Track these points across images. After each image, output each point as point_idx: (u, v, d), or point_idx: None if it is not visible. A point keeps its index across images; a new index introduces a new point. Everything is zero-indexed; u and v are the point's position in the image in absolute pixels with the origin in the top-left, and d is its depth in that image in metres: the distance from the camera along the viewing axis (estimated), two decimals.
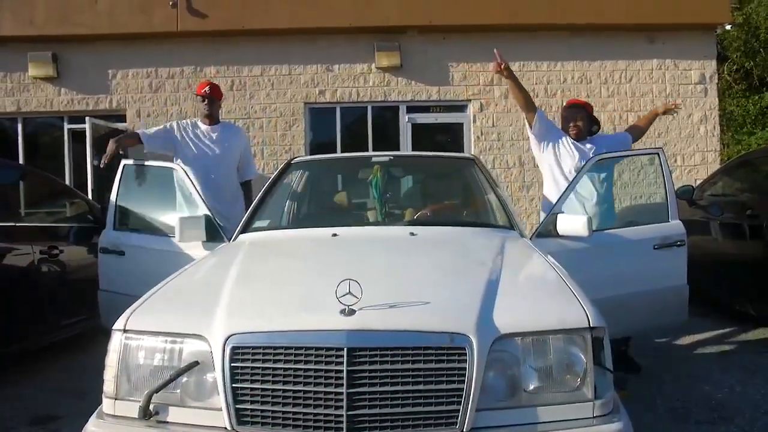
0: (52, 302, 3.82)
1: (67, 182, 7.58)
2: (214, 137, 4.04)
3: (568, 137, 3.77)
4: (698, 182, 7.52)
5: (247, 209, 3.47)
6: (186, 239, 2.97)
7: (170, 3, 7.44)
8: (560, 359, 1.69)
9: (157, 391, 1.68)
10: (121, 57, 7.75)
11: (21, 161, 7.68)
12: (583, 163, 3.44)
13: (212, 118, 4.10)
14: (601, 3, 7.68)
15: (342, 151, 7.95)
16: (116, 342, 1.78)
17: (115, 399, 1.75)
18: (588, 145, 3.72)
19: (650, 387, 3.38)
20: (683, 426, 2.86)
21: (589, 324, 1.70)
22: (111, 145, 3.59)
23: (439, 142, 8.27)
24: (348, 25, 7.60)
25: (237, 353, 1.65)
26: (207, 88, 4.08)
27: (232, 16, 7.54)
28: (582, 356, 1.68)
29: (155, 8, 7.52)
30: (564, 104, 3.84)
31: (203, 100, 4.08)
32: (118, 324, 1.81)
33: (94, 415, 1.78)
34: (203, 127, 4.08)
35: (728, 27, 8.59)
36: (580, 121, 3.75)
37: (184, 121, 4.17)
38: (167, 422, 1.69)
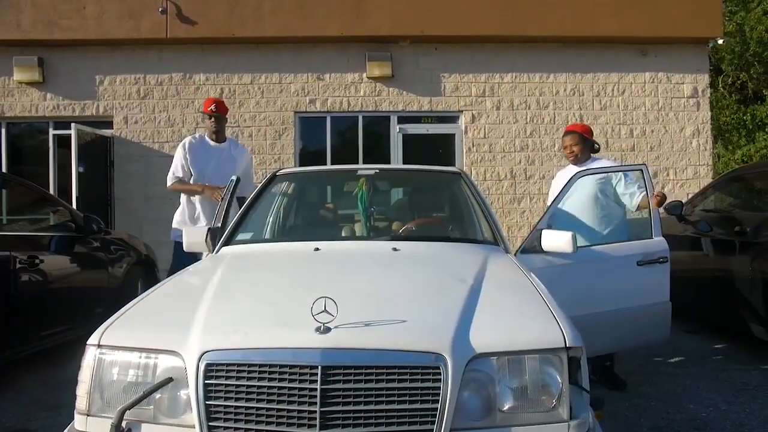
0: (31, 312, 3.77)
1: (51, 188, 7.55)
2: (226, 154, 4.22)
3: (567, 168, 4.03)
4: (689, 196, 7.58)
5: None
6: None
7: (159, 9, 7.45)
8: (536, 379, 1.67)
9: (130, 407, 1.65)
10: (108, 63, 7.75)
11: (4, 166, 7.64)
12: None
13: (220, 135, 4.26)
14: (594, 16, 7.75)
15: (332, 161, 7.96)
16: (90, 357, 1.76)
17: (87, 415, 1.73)
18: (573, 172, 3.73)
19: (635, 405, 3.37)
20: None
21: (566, 344, 1.68)
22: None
23: (431, 153, 8.29)
24: (339, 34, 7.64)
25: (211, 370, 1.63)
26: (213, 106, 4.18)
27: (222, 24, 7.55)
28: (558, 376, 1.67)
29: (144, 14, 7.52)
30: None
31: (210, 118, 4.20)
32: (92, 339, 1.79)
33: (66, 430, 1.76)
34: (212, 143, 4.23)
35: (720, 41, 8.66)
36: (575, 146, 3.89)
37: (187, 139, 4.28)
38: None
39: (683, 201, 5.36)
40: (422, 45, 7.89)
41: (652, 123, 8.17)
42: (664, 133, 8.18)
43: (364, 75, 7.87)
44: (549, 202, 3.88)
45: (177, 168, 4.17)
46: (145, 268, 5.23)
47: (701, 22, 7.92)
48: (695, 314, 5.21)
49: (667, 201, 5.25)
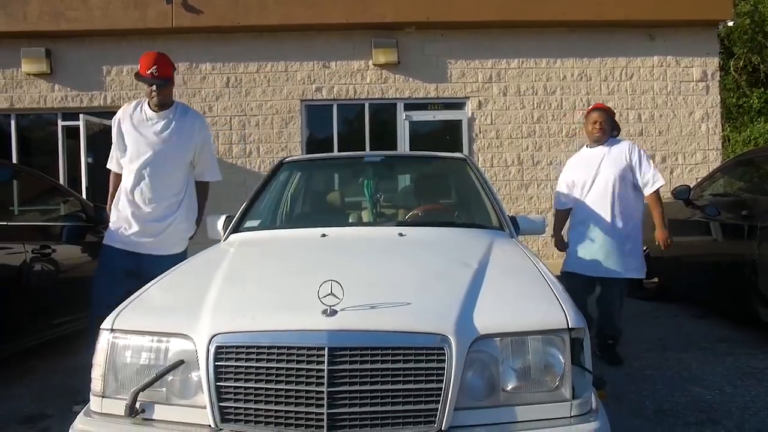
0: (45, 301, 3.83)
1: (61, 179, 7.63)
2: (160, 127, 3.21)
3: (580, 153, 4.02)
4: (698, 180, 7.56)
5: (199, 215, 3.47)
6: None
7: None
8: (539, 360, 1.70)
9: (143, 389, 1.71)
10: (115, 53, 7.79)
11: (14, 158, 7.71)
12: (593, 166, 3.80)
13: (163, 106, 3.24)
14: (601, 0, 7.68)
15: (339, 149, 7.98)
16: (104, 341, 1.81)
17: (103, 397, 1.79)
18: (605, 148, 3.85)
19: (640, 387, 3.39)
20: (671, 428, 2.86)
21: (568, 325, 1.71)
22: None
23: (437, 139, 8.29)
24: (344, 21, 7.63)
25: (221, 352, 1.67)
26: (154, 69, 3.09)
27: (227, 13, 7.56)
28: (560, 357, 1.70)
29: (149, 4, 7.55)
30: (588, 107, 4.10)
31: (151, 84, 3.14)
32: (106, 323, 1.84)
33: (82, 412, 1.82)
34: (149, 112, 3.22)
35: (730, 23, 8.55)
36: (605, 122, 3.82)
37: (129, 105, 3.32)
38: (153, 420, 1.72)
39: (690, 185, 5.34)
40: (428, 31, 7.86)
41: (660, 107, 8.12)
42: (672, 118, 8.13)
43: (370, 62, 7.87)
44: (559, 189, 4.05)
45: (113, 148, 3.33)
46: None
47: (710, 4, 7.83)
48: (702, 299, 5.21)
49: (674, 186, 5.28)
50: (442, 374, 1.61)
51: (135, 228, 3.20)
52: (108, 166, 3.38)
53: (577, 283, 3.63)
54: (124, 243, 3.21)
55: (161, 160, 3.21)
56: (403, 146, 8.02)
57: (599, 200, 3.73)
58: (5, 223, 3.68)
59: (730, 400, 3.20)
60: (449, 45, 7.95)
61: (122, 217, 3.23)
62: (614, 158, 3.75)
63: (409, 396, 1.61)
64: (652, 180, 3.72)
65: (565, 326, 1.71)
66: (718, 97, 8.28)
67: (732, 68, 12.29)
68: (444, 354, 1.62)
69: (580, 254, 3.77)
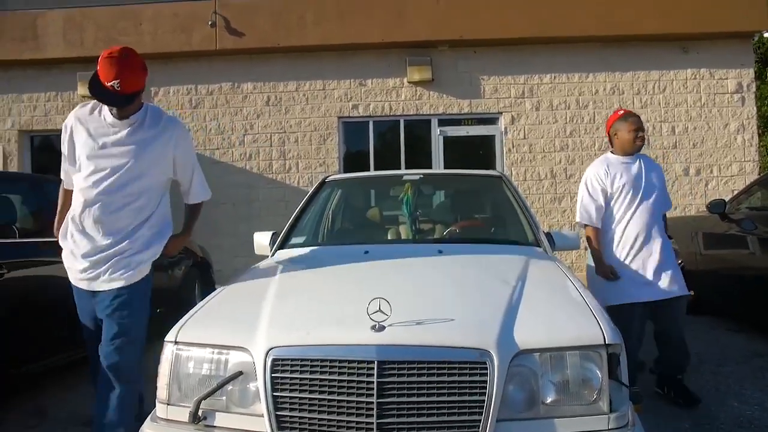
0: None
1: None
2: (123, 136, 2.50)
3: (600, 165, 3.44)
4: (735, 193, 7.47)
5: (185, 234, 2.85)
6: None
7: (209, 23, 7.77)
8: (577, 374, 1.78)
9: (205, 398, 1.83)
10: (162, 75, 8.08)
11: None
12: (637, 181, 3.32)
13: (125, 110, 2.49)
14: (633, 14, 7.69)
15: (375, 164, 8.11)
16: (168, 352, 1.95)
17: (168, 404, 1.92)
18: (639, 158, 3.41)
19: (678, 402, 3.40)
20: None
21: (605, 341, 1.79)
22: None
23: (471, 154, 8.36)
24: (380, 41, 7.81)
25: (277, 365, 1.79)
26: (116, 83, 2.33)
27: (268, 35, 7.82)
28: (598, 371, 1.77)
29: (195, 28, 7.86)
30: (618, 112, 3.50)
31: (108, 103, 2.43)
32: (170, 336, 1.98)
33: (149, 418, 1.96)
34: (109, 117, 2.50)
35: (766, 34, 8.44)
36: (643, 132, 3.40)
37: (84, 107, 2.58)
38: (214, 426, 1.84)
39: (726, 199, 5.31)
40: (461, 49, 7.97)
41: (694, 120, 8.05)
42: (707, 130, 8.06)
43: (405, 79, 8.02)
44: (588, 203, 3.42)
45: (63, 161, 2.61)
46: (201, 269, 5.49)
47: (745, 15, 7.73)
48: (739, 313, 5.16)
49: (714, 199, 5.22)
50: (485, 387, 1.70)
51: (85, 264, 2.47)
52: (62, 178, 2.65)
53: (632, 315, 3.20)
54: (80, 282, 2.53)
55: (124, 179, 2.46)
56: (438, 161, 8.12)
57: (646, 216, 3.30)
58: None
59: None
60: (482, 62, 8.05)
61: (71, 252, 2.52)
62: (652, 171, 3.39)
63: (454, 408, 1.70)
64: (668, 205, 3.45)
65: (602, 342, 1.79)
66: (754, 108, 8.16)
67: None
68: (486, 368, 1.71)
69: (632, 279, 3.27)
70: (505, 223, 3.54)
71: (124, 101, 2.42)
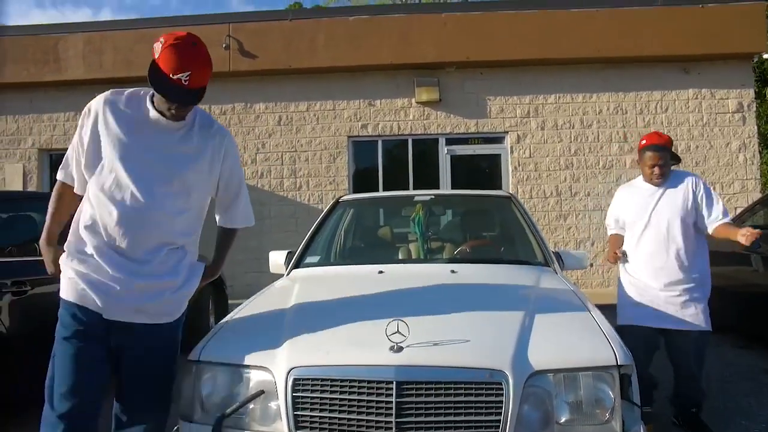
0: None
1: None
2: (175, 139, 2.07)
3: (633, 187, 3.42)
4: (737, 210, 7.52)
5: (217, 266, 2.39)
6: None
7: (223, 45, 7.94)
8: (590, 394, 1.83)
9: (227, 416, 1.87)
10: None
11: None
12: (654, 207, 3.23)
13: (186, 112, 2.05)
14: (636, 36, 7.82)
15: (383, 182, 8.21)
16: (191, 371, 2.01)
17: (191, 422, 1.96)
18: (658, 191, 3.28)
19: None
20: None
21: (617, 362, 1.84)
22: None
23: (478, 173, 8.47)
24: (389, 62, 7.95)
25: (298, 384, 1.84)
26: (185, 75, 1.89)
27: (280, 57, 7.98)
28: (610, 392, 1.82)
29: (209, 50, 7.99)
30: (642, 142, 3.33)
31: (176, 100, 1.95)
32: (193, 355, 2.03)
33: None
34: (153, 114, 2.03)
35: (765, 55, 8.57)
36: (665, 166, 3.22)
37: (117, 94, 2.09)
38: None
39: (730, 217, 5.37)
40: (468, 70, 8.12)
41: (696, 139, 8.14)
42: (709, 149, 8.14)
43: (413, 100, 8.15)
44: (608, 222, 3.54)
45: (71, 152, 2.11)
46: (215, 286, 5.55)
47: (745, 37, 7.88)
48: (745, 329, 5.20)
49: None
50: (501, 407, 1.75)
51: (117, 286, 1.96)
52: (58, 177, 2.12)
53: (638, 338, 3.09)
54: (99, 303, 1.97)
55: (175, 193, 2.05)
56: (445, 179, 8.22)
57: (658, 243, 3.19)
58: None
59: None
60: (488, 82, 8.19)
61: (96, 266, 1.96)
62: (675, 195, 3.21)
63: (470, 427, 1.75)
64: (721, 216, 3.16)
65: (614, 363, 1.84)
66: (755, 127, 8.25)
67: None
68: (502, 388, 1.76)
69: (639, 302, 3.22)
70: (515, 242, 3.59)
71: (194, 98, 1.97)
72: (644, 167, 3.26)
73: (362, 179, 8.33)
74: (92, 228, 1.99)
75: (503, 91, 8.17)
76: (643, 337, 3.15)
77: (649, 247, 3.22)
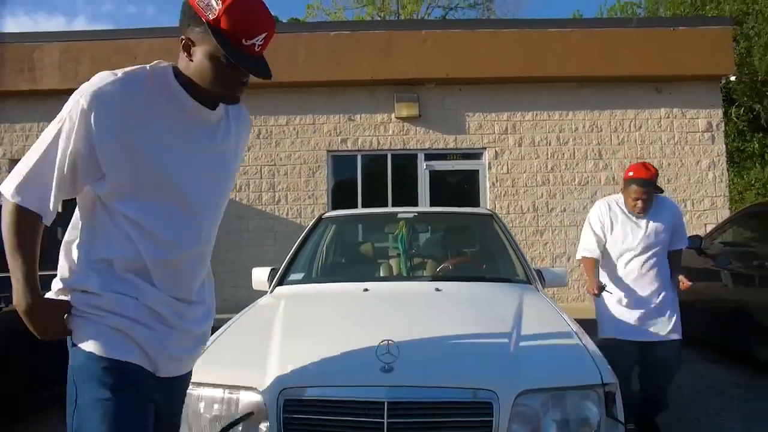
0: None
1: None
2: (219, 131, 1.58)
3: (616, 211, 3.45)
4: (707, 226, 7.74)
5: None
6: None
7: None
8: (577, 412, 1.88)
9: None
10: None
11: None
12: (644, 237, 3.34)
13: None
14: (611, 56, 8.04)
15: (362, 197, 8.24)
16: None
17: None
18: (643, 222, 3.38)
19: None
20: None
21: (602, 381, 1.90)
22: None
23: (456, 188, 8.56)
24: (369, 78, 8.02)
25: (289, 405, 1.84)
26: (260, 39, 1.42)
27: None
28: (595, 409, 1.88)
29: None
30: (629, 172, 3.36)
31: (252, 70, 1.46)
32: None
33: None
34: (185, 100, 1.49)
35: (732, 78, 8.89)
36: (649, 199, 3.31)
37: (129, 72, 1.46)
38: None
39: (701, 235, 5.55)
40: (447, 86, 8.23)
41: (668, 157, 8.38)
42: (680, 167, 8.38)
43: (393, 115, 8.23)
44: (589, 239, 3.49)
45: (41, 170, 1.43)
46: None
47: (714, 60, 8.17)
48: (716, 344, 5.34)
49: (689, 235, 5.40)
50: (490, 426, 1.78)
51: (170, 337, 1.53)
52: (20, 202, 1.41)
53: (620, 352, 3.16)
54: (151, 360, 1.52)
55: (217, 194, 1.62)
56: (424, 194, 8.29)
57: (645, 270, 3.34)
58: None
59: None
60: (467, 99, 8.31)
61: (140, 313, 1.48)
62: (660, 226, 3.36)
63: None
64: (682, 243, 3.49)
65: (600, 382, 1.90)
66: (724, 146, 8.53)
67: (733, 115, 12.59)
68: (491, 408, 1.80)
69: (620, 317, 3.34)
70: (497, 260, 3.65)
71: (269, 69, 1.50)
72: (628, 198, 3.35)
73: (341, 194, 8.36)
74: (131, 265, 1.47)
75: (482, 107, 8.31)
76: (625, 351, 3.26)
77: (635, 273, 3.35)
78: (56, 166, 1.41)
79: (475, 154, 8.45)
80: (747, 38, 12.18)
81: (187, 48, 1.44)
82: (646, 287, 3.33)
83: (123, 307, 1.46)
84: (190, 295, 1.57)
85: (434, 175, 8.38)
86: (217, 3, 1.36)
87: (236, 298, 7.16)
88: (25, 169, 1.42)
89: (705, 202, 8.36)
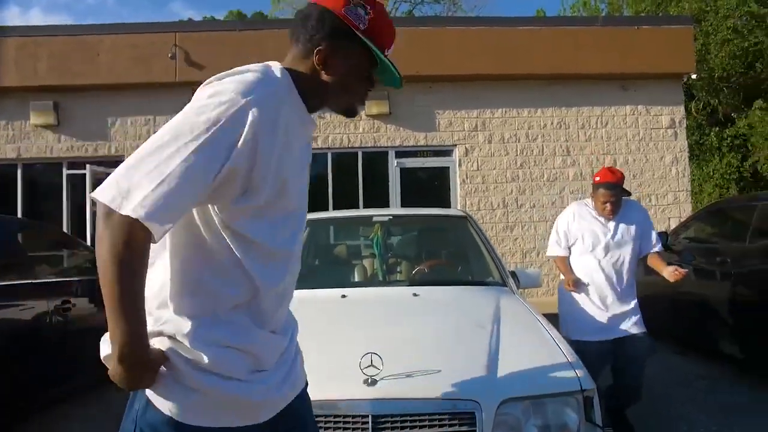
0: (62, 357, 3.91)
1: (65, 227, 7.71)
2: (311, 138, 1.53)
3: (588, 213, 3.59)
4: (671, 220, 7.97)
5: None
6: None
7: (169, 55, 7.73)
8: (557, 418, 1.93)
9: None
10: (120, 105, 8.01)
11: (20, 206, 7.81)
12: (611, 239, 3.47)
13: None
14: (578, 54, 8.17)
15: (333, 194, 8.22)
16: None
17: None
18: (611, 224, 3.52)
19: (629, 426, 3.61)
20: None
21: (581, 387, 1.95)
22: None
23: (427, 185, 8.61)
24: None
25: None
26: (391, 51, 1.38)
27: (228, 67, 7.75)
28: (575, 415, 1.93)
29: (154, 59, 7.80)
30: (596, 177, 3.53)
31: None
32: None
33: None
34: (302, 110, 1.31)
35: (693, 76, 9.16)
36: (617, 202, 3.46)
37: (282, 79, 1.26)
38: None
39: (666, 230, 5.72)
40: (418, 84, 8.22)
41: (633, 153, 8.59)
42: (645, 162, 8.60)
43: (363, 113, 8.21)
44: (558, 239, 3.62)
45: (181, 184, 1.08)
46: None
47: (676, 58, 8.41)
48: (683, 338, 5.52)
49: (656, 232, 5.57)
50: None
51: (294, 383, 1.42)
52: (157, 223, 1.06)
53: (591, 352, 3.25)
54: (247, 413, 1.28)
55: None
56: (395, 192, 8.31)
57: (614, 270, 3.47)
58: (29, 281, 3.79)
59: None
60: (437, 96, 8.35)
61: (254, 361, 1.25)
62: (629, 228, 3.50)
63: None
64: (656, 245, 3.58)
65: (579, 388, 1.95)
66: (686, 142, 8.79)
67: (693, 109, 12.97)
68: (474, 418, 1.83)
69: (588, 318, 3.45)
70: (473, 262, 3.68)
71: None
72: (597, 201, 3.50)
73: (312, 191, 8.17)
74: (249, 304, 1.24)
75: (452, 105, 8.36)
76: (597, 351, 3.36)
77: (603, 273, 3.48)
78: (199, 179, 1.09)
79: (445, 152, 8.50)
80: (705, 35, 12.52)
81: (324, 59, 1.30)
82: (614, 286, 3.46)
83: (228, 365, 1.19)
84: (280, 325, 1.36)
85: (405, 172, 8.41)
86: (366, 12, 1.30)
87: None
88: (158, 177, 1.06)
89: (668, 197, 8.61)
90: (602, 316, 3.44)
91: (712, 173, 12.18)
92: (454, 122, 8.39)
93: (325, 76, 1.31)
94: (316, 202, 8.07)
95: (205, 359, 1.15)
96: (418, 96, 8.31)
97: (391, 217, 3.91)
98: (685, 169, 8.70)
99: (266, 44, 7.87)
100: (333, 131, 8.25)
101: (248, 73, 1.23)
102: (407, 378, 1.92)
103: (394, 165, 8.39)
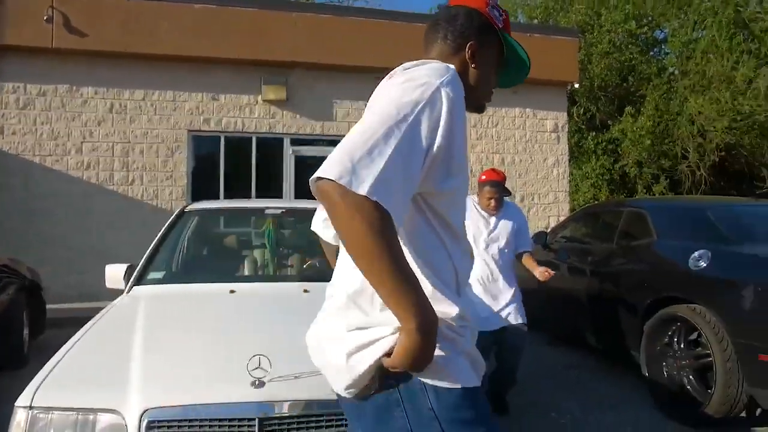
0: None
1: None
2: None
3: (475, 207, 3.86)
4: (550, 218, 8.53)
5: None
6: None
7: (44, 18, 7.04)
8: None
9: None
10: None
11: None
12: (491, 233, 3.79)
13: None
14: None
15: (225, 180, 7.95)
16: (21, 419, 1.78)
17: None
18: (493, 219, 3.84)
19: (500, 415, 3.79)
20: None
21: None
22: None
23: None
24: (236, 56, 7.69)
25: (153, 427, 1.76)
26: None
27: (115, 38, 7.30)
28: None
29: (27, 22, 7.07)
30: (482, 176, 3.85)
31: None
32: (22, 400, 1.81)
33: None
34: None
35: (576, 85, 9.81)
36: (500, 198, 3.83)
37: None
38: None
39: (547, 231, 6.11)
40: (317, 72, 8.13)
41: (520, 153, 9.07)
42: (530, 163, 9.12)
43: (260, 97, 7.98)
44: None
45: (390, 166, 1.09)
46: (31, 293, 4.95)
47: (562, 68, 8.95)
48: (556, 330, 5.94)
49: (536, 231, 5.96)
50: None
51: None
52: (387, 203, 1.06)
53: (483, 342, 3.55)
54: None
55: None
56: (289, 180, 8.19)
57: (493, 263, 3.77)
58: None
59: (582, 423, 3.71)
60: (335, 86, 8.28)
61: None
62: (507, 224, 3.83)
63: None
64: (528, 247, 3.98)
65: None
66: (567, 146, 9.43)
67: (575, 114, 13.93)
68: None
69: (477, 313, 3.55)
70: None
71: None
72: (482, 198, 3.84)
73: (202, 176, 7.97)
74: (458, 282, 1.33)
75: (350, 95, 8.33)
76: (481, 342, 3.49)
77: (487, 265, 3.77)
78: (412, 162, 1.12)
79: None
80: (589, 46, 13.42)
81: (474, 53, 1.38)
82: (497, 278, 3.77)
83: (461, 330, 1.27)
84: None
85: (300, 160, 8.29)
86: (500, 13, 1.44)
87: (83, 285, 6.61)
88: (380, 161, 1.06)
89: (549, 196, 9.19)
90: (483, 308, 3.67)
91: (588, 174, 13.15)
92: (351, 113, 8.37)
93: (472, 71, 1.40)
94: (206, 188, 7.77)
95: (450, 335, 1.22)
96: (317, 84, 8.21)
97: (283, 210, 3.85)
98: (565, 171, 9.33)
99: (159, 18, 7.43)
100: (226, 114, 7.95)
101: (432, 62, 1.29)
102: (295, 380, 1.92)
103: (289, 153, 8.24)
